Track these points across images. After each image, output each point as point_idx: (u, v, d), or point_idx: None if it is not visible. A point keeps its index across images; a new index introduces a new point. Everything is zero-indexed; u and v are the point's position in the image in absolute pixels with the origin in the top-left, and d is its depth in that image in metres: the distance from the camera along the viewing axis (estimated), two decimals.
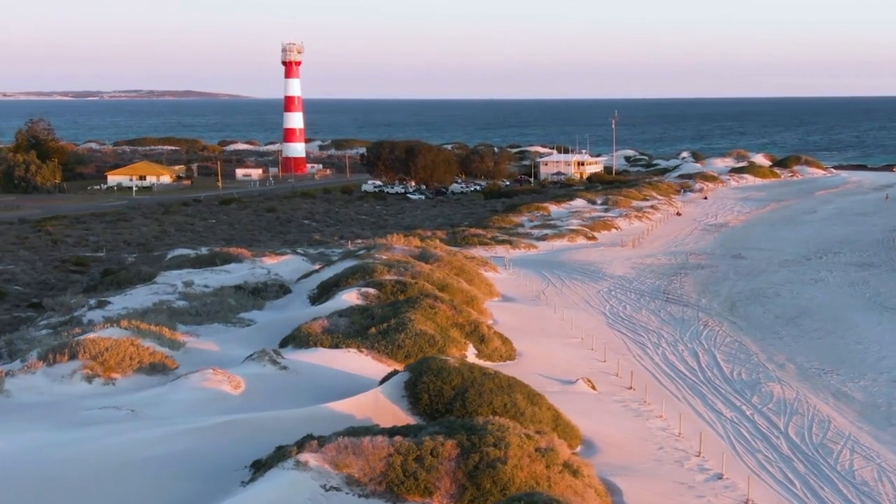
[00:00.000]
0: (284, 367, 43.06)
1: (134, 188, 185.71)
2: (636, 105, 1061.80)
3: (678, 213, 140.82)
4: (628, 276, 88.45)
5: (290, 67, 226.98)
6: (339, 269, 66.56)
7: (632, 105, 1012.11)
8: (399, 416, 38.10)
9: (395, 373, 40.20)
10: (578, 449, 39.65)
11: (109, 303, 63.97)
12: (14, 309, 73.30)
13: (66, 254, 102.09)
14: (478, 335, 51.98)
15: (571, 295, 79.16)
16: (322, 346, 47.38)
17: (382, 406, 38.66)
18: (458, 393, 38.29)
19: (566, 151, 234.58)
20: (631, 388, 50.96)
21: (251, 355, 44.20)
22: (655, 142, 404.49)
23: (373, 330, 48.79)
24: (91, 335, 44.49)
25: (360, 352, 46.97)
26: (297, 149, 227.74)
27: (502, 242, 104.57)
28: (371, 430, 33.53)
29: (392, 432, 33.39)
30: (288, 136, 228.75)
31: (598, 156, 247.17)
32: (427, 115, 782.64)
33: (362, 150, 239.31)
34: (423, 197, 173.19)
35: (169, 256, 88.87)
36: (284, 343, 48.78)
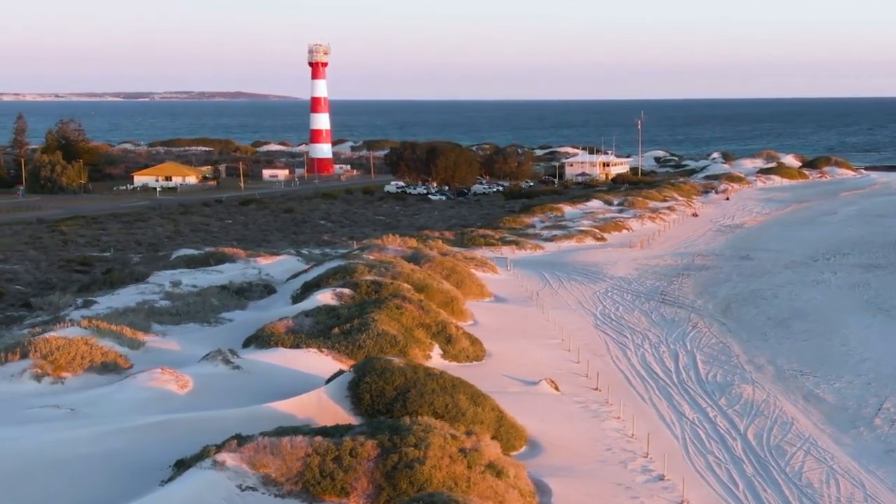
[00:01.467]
0: (237, 367, 43.31)
1: (158, 189, 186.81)
2: (676, 106, 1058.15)
3: (695, 214, 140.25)
4: (629, 278, 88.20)
5: (316, 68, 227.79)
6: (325, 269, 66.74)
7: (671, 106, 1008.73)
8: (341, 416, 38.26)
9: (340, 373, 40.39)
10: (523, 449, 39.72)
11: (96, 302, 64.44)
12: (9, 308, 73.98)
13: (74, 254, 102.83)
14: (445, 336, 52.07)
15: (566, 296, 79.06)
16: (283, 345, 47.65)
17: (325, 406, 38.85)
18: (399, 393, 38.42)
19: (596, 152, 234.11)
20: (597, 388, 50.94)
21: (207, 355, 44.44)
22: (692, 142, 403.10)
23: (336, 330, 49.02)
24: (49, 335, 44.85)
25: (321, 352, 47.19)
26: (324, 150, 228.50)
27: (509, 243, 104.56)
28: (299, 430, 33.70)
29: (319, 432, 33.56)
30: (314, 136, 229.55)
31: (628, 156, 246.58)
32: (465, 116, 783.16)
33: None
34: (443, 198, 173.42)
35: (173, 256, 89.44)
36: (248, 343, 49.10)
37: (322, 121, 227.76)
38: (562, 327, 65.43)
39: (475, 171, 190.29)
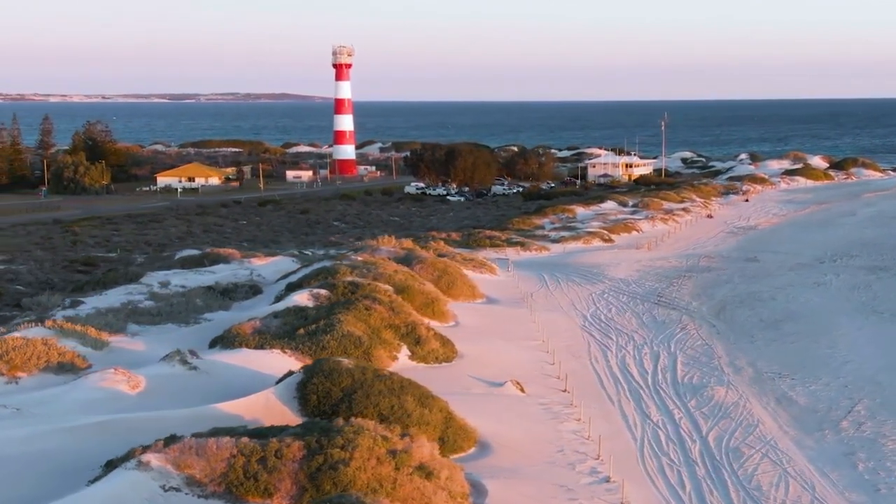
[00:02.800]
0: (194, 368, 43.53)
1: (179, 190, 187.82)
2: (712, 107, 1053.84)
3: (709, 216, 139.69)
4: (629, 279, 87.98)
5: (340, 70, 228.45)
6: (310, 270, 66.98)
7: (707, 107, 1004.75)
8: (288, 417, 38.42)
9: (290, 374, 40.53)
10: (471, 451, 39.78)
11: (83, 302, 64.83)
12: (3, 308, 74.53)
13: (80, 254, 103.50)
14: (413, 337, 52.17)
15: (561, 297, 78.97)
16: (247, 346, 47.87)
17: (273, 407, 39.01)
18: (345, 395, 38.55)
19: (622, 154, 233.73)
20: (565, 390, 50.91)
21: (165, 356, 44.69)
22: (724, 143, 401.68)
23: (301, 331, 49.20)
24: (9, 335, 45.20)
25: (284, 352, 47.36)
26: (347, 151, 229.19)
27: (514, 244, 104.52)
28: (234, 431, 33.87)
29: (253, 433, 33.72)
30: (338, 138, 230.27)
31: (654, 158, 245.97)
32: (499, 117, 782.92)
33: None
34: (462, 199, 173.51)
35: (177, 257, 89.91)
36: (214, 343, 49.35)
37: (346, 122, 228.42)
38: (547, 329, 65.36)
39: (494, 173, 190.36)
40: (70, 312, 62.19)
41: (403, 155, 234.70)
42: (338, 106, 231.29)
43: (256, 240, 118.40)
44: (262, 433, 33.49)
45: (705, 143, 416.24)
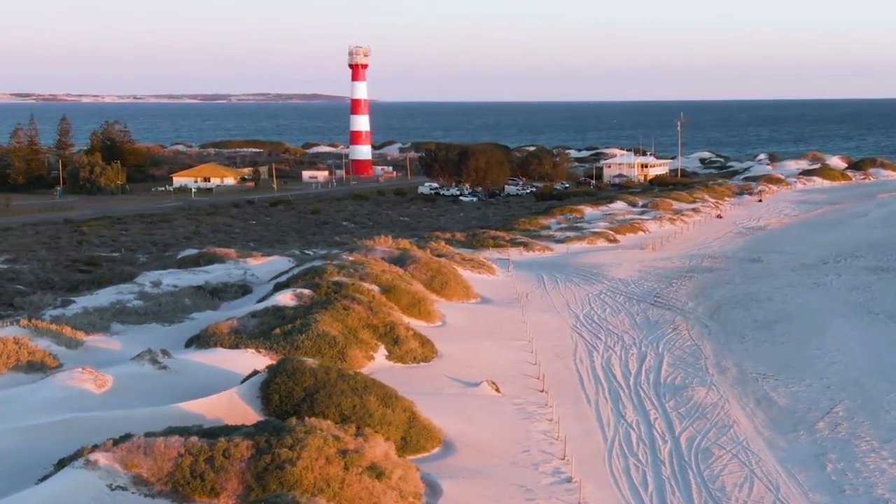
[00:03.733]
0: (164, 367, 43.67)
1: (193, 190, 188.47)
2: (739, 107, 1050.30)
3: (719, 216, 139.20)
4: (629, 280, 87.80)
5: (356, 70, 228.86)
6: (299, 270, 67.15)
7: (735, 107, 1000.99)
8: (251, 416, 38.52)
9: (254, 373, 40.63)
10: (435, 450, 39.85)
11: (73, 301, 65.08)
12: None
13: (85, 254, 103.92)
14: (392, 337, 52.23)
15: (557, 298, 78.86)
16: (222, 346, 48.03)
17: (236, 406, 39.13)
18: (308, 394, 38.63)
19: (641, 154, 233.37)
20: (543, 390, 50.84)
21: (137, 355, 44.86)
22: (747, 143, 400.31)
23: (277, 331, 49.32)
24: None
25: (259, 352, 47.47)
26: (363, 151, 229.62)
27: (518, 244, 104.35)
28: (187, 430, 33.98)
29: (206, 433, 33.83)
30: (354, 138, 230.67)
31: (673, 158, 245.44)
32: (526, 117, 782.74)
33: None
34: (474, 199, 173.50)
35: (179, 256, 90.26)
36: (190, 343, 49.48)
37: (362, 122, 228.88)
38: (536, 329, 65.34)
39: (507, 173, 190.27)
40: (59, 312, 62.48)
41: (418, 155, 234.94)
42: (354, 106, 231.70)
43: (263, 240, 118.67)
44: (214, 432, 33.58)
45: (729, 142, 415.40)
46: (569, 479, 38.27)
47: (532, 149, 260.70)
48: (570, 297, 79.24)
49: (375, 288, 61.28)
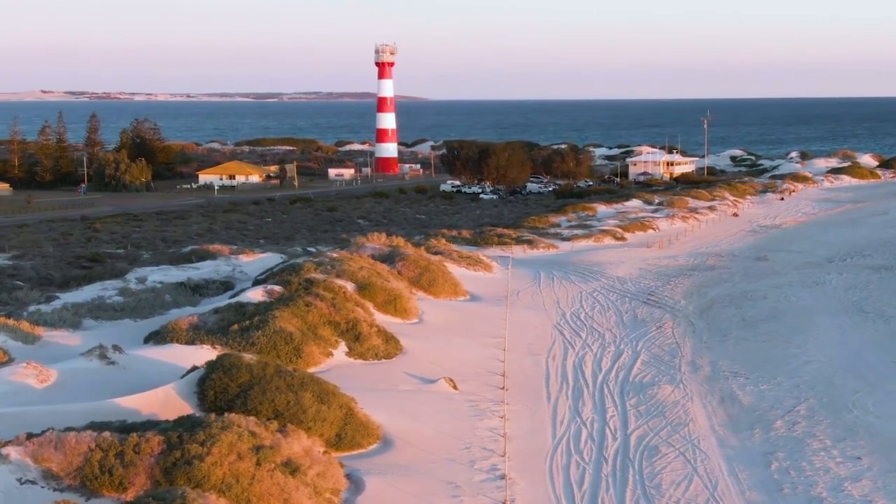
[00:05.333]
0: (112, 363, 43.90)
1: (216, 187, 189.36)
2: (780, 105, 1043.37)
3: (735, 214, 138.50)
4: (627, 278, 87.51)
5: (382, 68, 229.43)
6: (279, 266, 67.36)
7: (775, 105, 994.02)
8: (186, 412, 38.59)
9: (193, 369, 40.77)
10: (372, 447, 39.85)
11: (57, 297, 65.53)
12: None
13: (90, 250, 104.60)
14: (354, 333, 52.31)
15: (548, 295, 78.73)
16: (179, 342, 48.24)
17: (172, 402, 39.27)
18: (242, 390, 38.73)
19: (672, 152, 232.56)
20: (503, 388, 50.71)
21: (88, 350, 45.12)
22: (783, 141, 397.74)
23: (235, 327, 49.46)
24: None
25: (214, 348, 47.63)
26: (389, 149, 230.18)
27: (523, 242, 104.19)
28: (108, 426, 34.13)
29: (126, 428, 33.98)
30: (380, 136, 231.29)
31: (703, 156, 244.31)
32: (564, 116, 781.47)
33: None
34: (494, 197, 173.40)
35: (171, 253, 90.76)
36: (148, 339, 49.70)
37: (388, 120, 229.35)
38: (517, 327, 65.30)
39: (528, 171, 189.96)
40: (38, 307, 62.89)
41: (441, 153, 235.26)
42: (380, 104, 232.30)
43: (275, 236, 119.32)
44: (132, 428, 33.71)
45: (767, 140, 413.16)
46: (502, 476, 38.15)
47: (564, 146, 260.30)
48: (562, 295, 79.05)
49: (350, 285, 61.33)
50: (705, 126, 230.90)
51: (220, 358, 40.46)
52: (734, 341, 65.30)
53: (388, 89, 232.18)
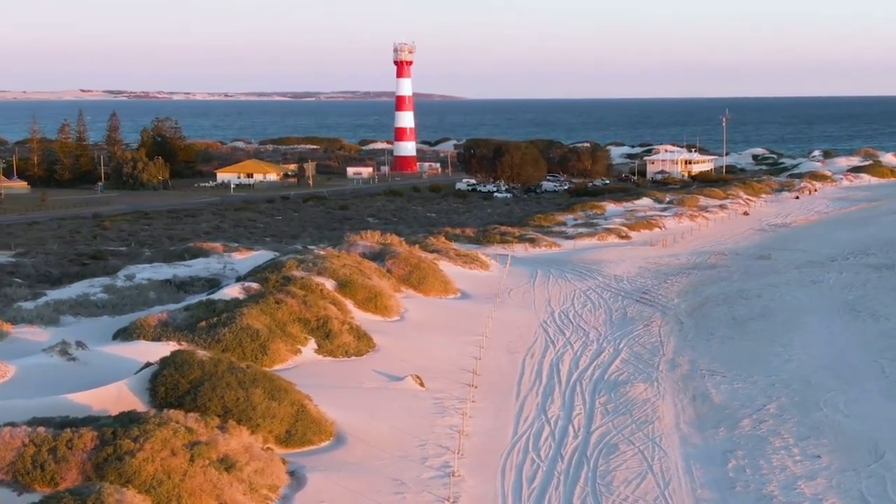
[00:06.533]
0: (73, 359, 44.09)
1: (232, 185, 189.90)
2: (819, 104, 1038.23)
3: (745, 213, 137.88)
4: (623, 276, 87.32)
5: (401, 67, 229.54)
6: (263, 264, 67.52)
7: (816, 103, 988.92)
8: (138, 408, 38.70)
9: (147, 364, 40.89)
10: (325, 444, 39.90)
11: (45, 294, 65.83)
12: None
13: (94, 248, 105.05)
14: (324, 331, 52.39)
15: (540, 294, 78.62)
16: (145, 338, 48.43)
17: (125, 398, 39.39)
18: (193, 387, 38.82)
19: (694, 150, 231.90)
20: (473, 385, 50.66)
21: (50, 346, 45.33)
22: (811, 140, 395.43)
23: (203, 323, 49.58)
24: None
25: (180, 345, 47.71)
26: (408, 147, 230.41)
27: (525, 240, 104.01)
28: (50, 422, 34.26)
29: (68, 423, 34.10)
30: (399, 135, 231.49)
31: (727, 154, 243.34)
32: (592, 114, 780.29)
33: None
34: (508, 195, 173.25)
35: (172, 250, 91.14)
36: (117, 335, 49.87)
37: (406, 119, 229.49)
38: (501, 325, 65.24)
39: (543, 169, 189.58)
40: (27, 304, 63.20)
41: (457, 152, 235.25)
42: (398, 103, 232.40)
43: (282, 234, 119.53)
44: (70, 423, 33.84)
45: (794, 139, 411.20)
46: (451, 474, 38.09)
47: (585, 145, 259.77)
48: (555, 293, 78.93)
49: (330, 282, 61.41)
50: (724, 124, 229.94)
51: (173, 354, 40.57)
52: (719, 340, 65.02)
53: (406, 88, 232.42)
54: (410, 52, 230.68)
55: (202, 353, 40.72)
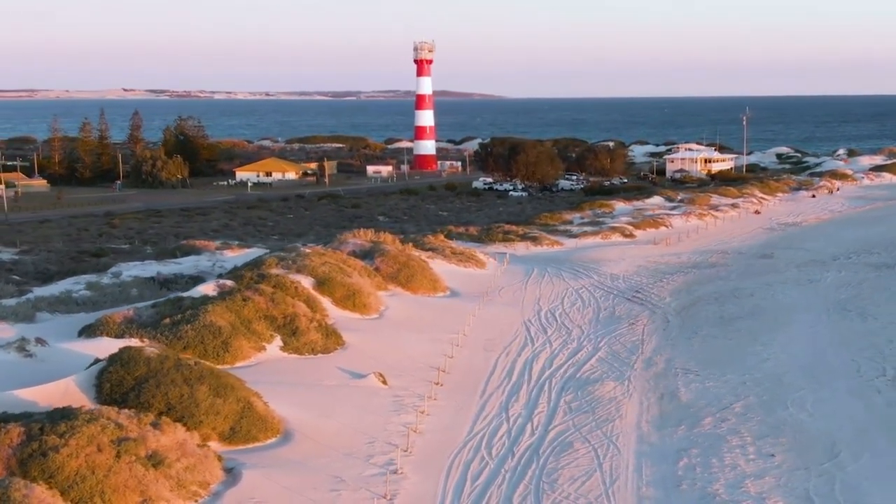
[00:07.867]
0: (30, 355, 44.32)
1: (249, 184, 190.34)
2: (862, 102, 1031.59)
3: (756, 212, 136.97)
4: (620, 275, 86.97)
5: (421, 66, 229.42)
6: (246, 261, 67.61)
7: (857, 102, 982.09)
8: (84, 404, 38.81)
9: (96, 361, 41.01)
10: (271, 441, 39.97)
11: (31, 291, 66.20)
12: None
13: (97, 246, 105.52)
14: (290, 328, 52.44)
15: (532, 292, 78.43)
16: (108, 335, 48.55)
17: (71, 394, 39.53)
18: (137, 383, 38.91)
19: (719, 149, 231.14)
20: (438, 383, 50.60)
21: (7, 342, 45.54)
22: (840, 139, 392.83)
23: (167, 320, 49.67)
24: None
25: (143, 342, 47.85)
26: (428, 146, 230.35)
27: (527, 239, 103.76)
28: None
29: (3, 419, 34.22)
30: (418, 133, 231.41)
31: (750, 153, 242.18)
32: (623, 112, 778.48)
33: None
34: (524, 194, 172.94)
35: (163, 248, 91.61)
36: (82, 332, 50.05)
37: (426, 118, 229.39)
38: (483, 323, 65.19)
39: (558, 168, 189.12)
40: (7, 301, 63.51)
41: (474, 151, 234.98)
42: (419, 102, 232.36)
43: (290, 233, 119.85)
44: (4, 419, 33.99)
45: (820, 138, 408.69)
46: (394, 472, 38.06)
47: (609, 143, 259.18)
48: (546, 292, 78.71)
49: (308, 280, 61.46)
50: (745, 123, 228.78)
51: (120, 351, 40.69)
52: (701, 339, 64.70)
53: (426, 86, 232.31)
54: (430, 51, 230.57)
55: (150, 350, 40.84)
